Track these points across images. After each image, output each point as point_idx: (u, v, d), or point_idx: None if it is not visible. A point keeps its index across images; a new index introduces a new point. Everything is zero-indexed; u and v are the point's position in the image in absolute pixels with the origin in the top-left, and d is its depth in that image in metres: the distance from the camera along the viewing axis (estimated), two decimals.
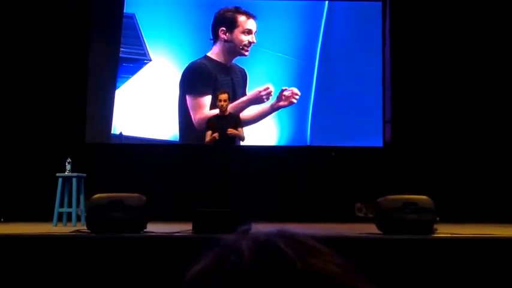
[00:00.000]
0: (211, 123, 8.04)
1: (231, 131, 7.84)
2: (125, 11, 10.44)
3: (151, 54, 10.37)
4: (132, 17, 10.41)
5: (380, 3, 10.74)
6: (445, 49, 10.46)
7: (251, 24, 10.30)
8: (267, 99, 10.08)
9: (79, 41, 10.21)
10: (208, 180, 8.04)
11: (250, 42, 10.25)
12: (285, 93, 10.15)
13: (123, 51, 10.35)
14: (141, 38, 10.35)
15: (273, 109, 10.19)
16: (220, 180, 7.88)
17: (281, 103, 10.18)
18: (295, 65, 10.52)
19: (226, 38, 10.25)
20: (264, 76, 10.34)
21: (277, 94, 10.16)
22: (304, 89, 10.43)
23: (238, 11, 10.36)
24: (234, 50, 10.29)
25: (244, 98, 10.08)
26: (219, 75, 10.18)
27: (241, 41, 10.25)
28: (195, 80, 10.23)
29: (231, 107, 8.48)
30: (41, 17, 10.12)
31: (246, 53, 10.27)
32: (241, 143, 8.35)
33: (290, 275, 0.63)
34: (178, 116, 10.24)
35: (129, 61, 10.38)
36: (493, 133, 10.30)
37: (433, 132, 10.35)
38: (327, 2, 10.74)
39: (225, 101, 7.93)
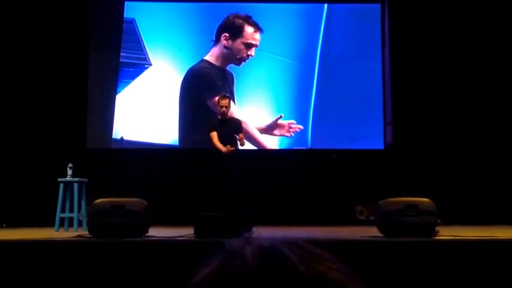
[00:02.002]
0: (213, 126, 8.03)
1: (241, 138, 7.87)
2: (124, 16, 10.46)
3: (152, 59, 10.38)
4: (132, 21, 10.42)
5: (379, 5, 10.74)
6: (445, 50, 10.46)
7: (256, 38, 10.29)
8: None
9: (79, 46, 10.22)
10: (209, 183, 8.04)
11: (248, 56, 10.25)
12: (280, 121, 10.20)
13: (124, 56, 10.36)
14: (141, 43, 10.36)
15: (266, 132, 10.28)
16: (221, 183, 7.88)
17: (276, 131, 10.25)
18: (296, 68, 10.53)
19: (226, 44, 10.25)
20: (265, 79, 10.34)
21: (275, 119, 10.22)
22: (305, 91, 10.44)
23: (247, 21, 10.33)
24: (231, 58, 10.30)
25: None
26: (219, 79, 10.21)
27: (241, 52, 10.25)
28: (207, 83, 10.22)
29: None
30: (41, 23, 10.13)
31: (240, 65, 10.29)
32: (246, 146, 8.35)
33: (294, 281, 0.63)
34: (178, 121, 10.24)
35: (130, 66, 10.39)
36: (494, 134, 10.29)
37: (434, 134, 10.35)
38: (326, 4, 10.74)
39: (226, 106, 7.93)
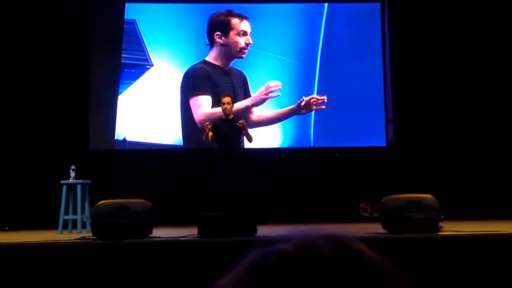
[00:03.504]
0: (215, 126, 7.99)
1: (241, 123, 7.81)
2: (125, 17, 10.47)
3: (153, 60, 10.39)
4: (133, 23, 10.44)
5: (379, 4, 10.76)
6: (445, 47, 10.47)
7: (245, 25, 10.33)
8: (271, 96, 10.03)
9: (81, 47, 10.23)
10: (214, 183, 8.03)
11: (247, 44, 10.27)
12: (303, 103, 10.10)
13: (125, 57, 10.38)
14: (143, 44, 10.38)
15: (289, 115, 10.24)
16: (226, 183, 7.87)
17: (303, 111, 10.19)
18: (297, 67, 10.53)
19: (222, 42, 10.28)
20: (266, 79, 10.33)
21: (297, 103, 10.12)
22: (306, 90, 10.43)
23: (230, 13, 10.38)
24: (231, 53, 10.31)
25: (246, 102, 10.07)
26: (218, 79, 10.20)
27: (237, 43, 10.28)
28: (195, 82, 10.24)
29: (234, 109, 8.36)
30: (43, 25, 10.14)
31: (243, 56, 10.29)
32: (249, 145, 8.33)
33: (362, 262, 0.68)
34: (181, 121, 10.26)
35: (131, 67, 10.40)
36: (495, 130, 10.29)
37: (436, 131, 10.35)
38: (326, 4, 10.76)
39: (228, 103, 7.89)
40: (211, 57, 10.35)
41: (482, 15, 10.43)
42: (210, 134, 7.79)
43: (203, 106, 10.04)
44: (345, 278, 0.65)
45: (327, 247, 0.68)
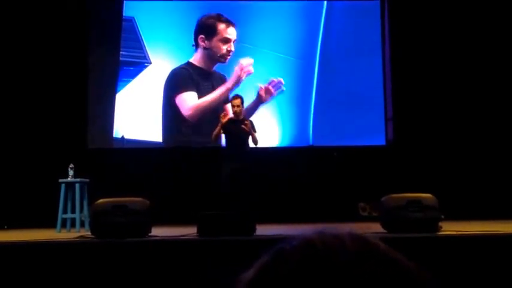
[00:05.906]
0: (225, 127, 8.03)
1: (246, 124, 7.86)
2: (124, 15, 10.45)
3: (151, 57, 10.37)
4: (131, 20, 10.42)
5: (378, 2, 10.75)
6: (444, 46, 10.45)
7: (230, 32, 10.31)
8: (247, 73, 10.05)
9: (79, 45, 10.21)
10: (218, 182, 8.06)
11: (228, 51, 10.26)
12: (262, 89, 10.11)
13: (123, 54, 10.36)
14: (141, 41, 10.36)
15: (256, 107, 10.18)
16: (230, 183, 7.89)
17: (264, 98, 10.16)
18: (296, 65, 10.52)
19: (205, 45, 10.30)
20: (265, 76, 10.32)
21: (256, 93, 10.13)
22: (305, 89, 10.44)
23: (219, 18, 10.37)
24: (213, 57, 10.32)
25: (227, 84, 10.11)
26: (200, 81, 10.22)
27: (220, 49, 10.28)
28: (178, 81, 10.26)
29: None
30: (40, 22, 10.12)
31: (225, 61, 10.31)
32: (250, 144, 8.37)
33: (377, 254, 0.69)
34: (161, 121, 10.25)
35: (130, 64, 10.39)
36: (496, 129, 10.28)
37: (436, 129, 10.34)
38: (325, 2, 10.75)
39: (237, 106, 8.01)
40: (195, 59, 10.36)
41: (482, 13, 10.41)
42: (218, 129, 7.89)
43: (189, 100, 10.06)
44: (365, 266, 0.67)
45: (346, 237, 0.71)
